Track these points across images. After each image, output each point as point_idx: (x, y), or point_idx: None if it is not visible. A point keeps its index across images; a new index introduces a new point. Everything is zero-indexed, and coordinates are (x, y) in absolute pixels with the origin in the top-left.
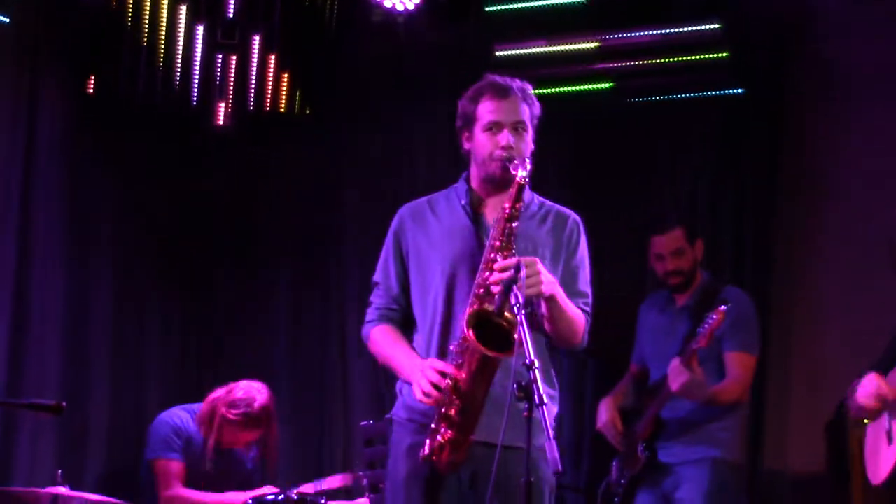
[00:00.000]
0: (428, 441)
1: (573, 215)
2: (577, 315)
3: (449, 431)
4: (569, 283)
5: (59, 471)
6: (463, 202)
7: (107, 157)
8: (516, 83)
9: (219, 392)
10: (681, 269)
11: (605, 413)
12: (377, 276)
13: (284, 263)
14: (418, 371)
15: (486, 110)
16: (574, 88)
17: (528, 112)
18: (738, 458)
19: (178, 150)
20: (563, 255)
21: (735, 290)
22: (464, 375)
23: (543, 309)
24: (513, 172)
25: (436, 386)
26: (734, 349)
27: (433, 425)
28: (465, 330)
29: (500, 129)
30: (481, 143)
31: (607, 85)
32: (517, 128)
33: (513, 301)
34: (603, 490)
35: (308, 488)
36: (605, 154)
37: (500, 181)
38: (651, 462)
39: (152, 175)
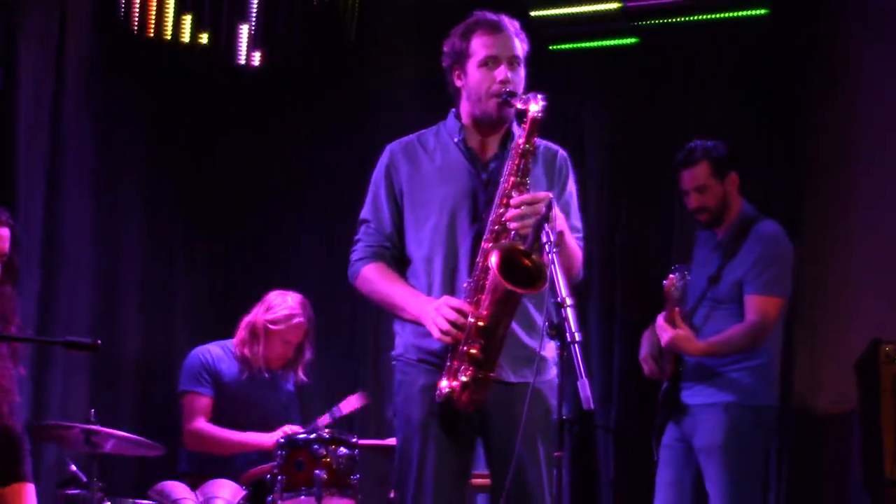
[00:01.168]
0: (447, 381)
1: (561, 151)
2: (576, 250)
3: (470, 370)
4: (563, 219)
5: (92, 410)
6: (456, 140)
7: (134, 97)
8: (506, 18)
9: (253, 311)
10: (705, 205)
11: (645, 346)
12: (366, 214)
13: (313, 197)
14: (432, 310)
15: (481, 45)
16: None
17: (521, 47)
18: (761, 402)
19: (205, 89)
20: (555, 192)
21: (768, 225)
22: (484, 312)
23: None
24: (522, 107)
25: (453, 324)
26: (752, 292)
27: (449, 364)
28: (492, 267)
29: (497, 64)
30: (476, 80)
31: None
32: (512, 63)
33: (544, 238)
34: (658, 416)
35: (324, 419)
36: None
37: (496, 118)
38: (674, 401)
39: (179, 115)
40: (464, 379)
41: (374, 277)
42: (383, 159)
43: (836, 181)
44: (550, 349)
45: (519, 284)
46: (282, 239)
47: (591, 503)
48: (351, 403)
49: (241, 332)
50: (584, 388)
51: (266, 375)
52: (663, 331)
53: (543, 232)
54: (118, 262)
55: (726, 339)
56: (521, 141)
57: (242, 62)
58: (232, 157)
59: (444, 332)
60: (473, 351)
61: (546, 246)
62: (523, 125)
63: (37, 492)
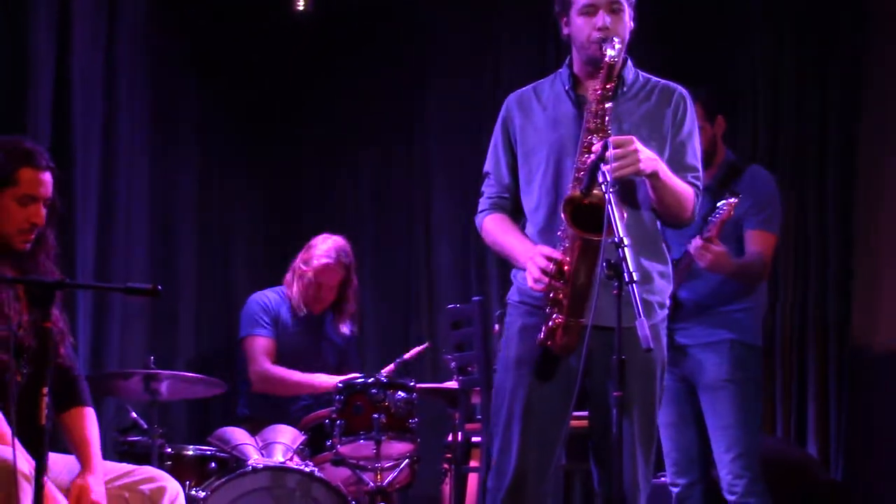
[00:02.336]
0: (544, 326)
1: (679, 89)
2: (683, 190)
3: (559, 316)
4: (677, 158)
5: (151, 357)
6: (566, 87)
7: (187, 47)
8: None
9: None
10: None
11: None
12: (488, 166)
13: (368, 146)
14: (529, 258)
15: None
16: None
17: None
18: (755, 341)
19: (257, 35)
20: (669, 131)
21: (757, 168)
22: (568, 259)
23: (648, 186)
24: (601, 53)
25: (545, 271)
26: (754, 227)
27: (548, 310)
28: (563, 215)
29: (596, 11)
30: (578, 27)
31: None
32: (613, 8)
33: (600, 179)
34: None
35: (390, 368)
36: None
37: (600, 62)
38: (668, 342)
39: (232, 63)
40: (552, 325)
41: (491, 229)
42: (502, 111)
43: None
44: (657, 293)
45: (593, 230)
46: (339, 186)
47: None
48: (413, 351)
49: (287, 275)
50: (643, 326)
51: (320, 321)
52: (705, 251)
53: (599, 172)
54: (174, 209)
55: (750, 262)
56: (597, 87)
57: (299, 7)
58: (287, 103)
59: (535, 280)
60: (560, 297)
61: (602, 186)
62: (601, 70)
63: (100, 440)
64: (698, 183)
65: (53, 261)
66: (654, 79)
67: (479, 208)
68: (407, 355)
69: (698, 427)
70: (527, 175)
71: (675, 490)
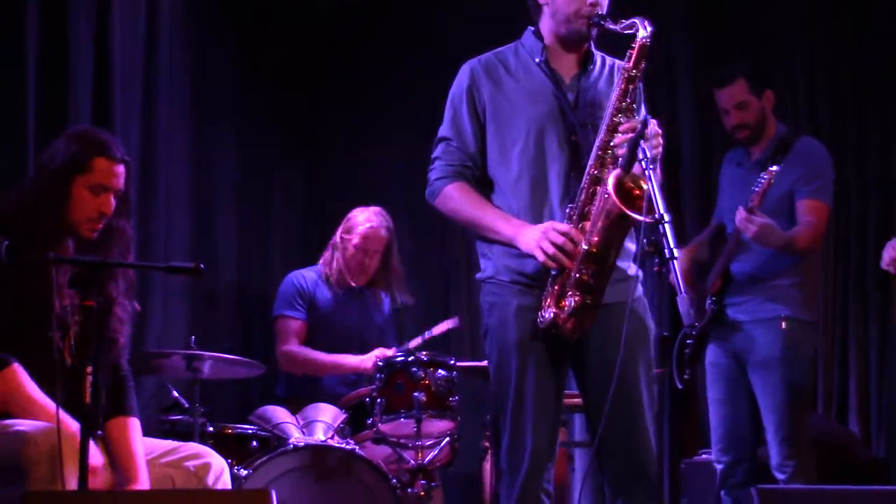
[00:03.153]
0: (548, 305)
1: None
2: None
3: (578, 296)
4: None
5: (193, 336)
6: (538, 59)
7: (227, 25)
8: None
9: (338, 230)
10: (745, 122)
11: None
12: (445, 132)
13: (403, 125)
14: (537, 233)
15: None
16: None
17: None
18: (809, 316)
19: (298, 16)
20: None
21: (809, 139)
22: (595, 239)
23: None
24: (628, 31)
25: (561, 249)
26: (805, 197)
27: (550, 288)
28: (610, 192)
29: None
30: (565, 0)
31: None
32: None
33: (640, 156)
34: (680, 337)
35: (416, 342)
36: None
37: (582, 39)
38: (719, 318)
39: (273, 42)
40: (572, 305)
41: (458, 196)
42: (462, 77)
43: None
44: (634, 268)
45: (632, 209)
46: (374, 165)
47: (691, 419)
48: (443, 326)
49: (327, 252)
50: (684, 302)
51: (360, 298)
52: (749, 223)
53: (640, 150)
54: (213, 189)
55: (800, 233)
56: (628, 66)
57: None
58: (324, 83)
59: (550, 257)
60: (584, 277)
61: (643, 163)
62: (630, 50)
63: (140, 417)
64: None
65: (128, 251)
66: (609, 58)
67: (435, 175)
68: (435, 330)
69: (748, 405)
70: (500, 147)
71: (718, 467)
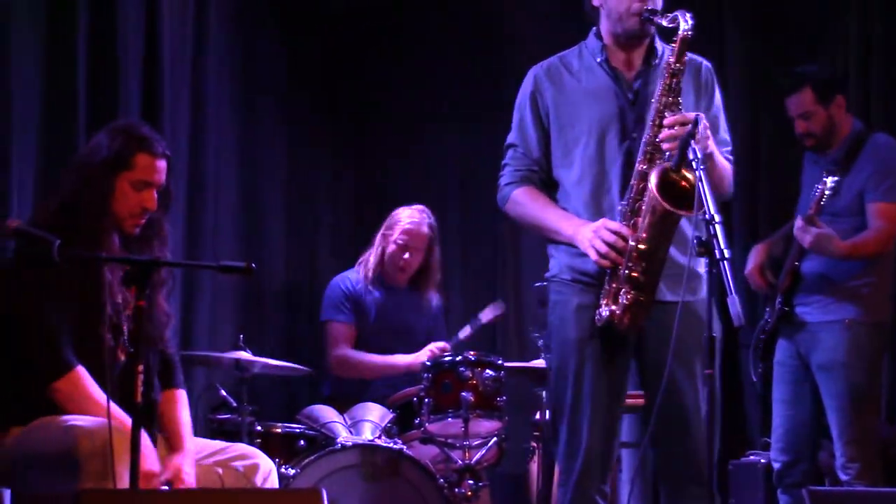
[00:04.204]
0: (606, 304)
1: (705, 62)
2: (725, 167)
3: (631, 293)
4: (711, 133)
5: (241, 335)
6: (599, 59)
7: (277, 20)
8: None
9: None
10: (811, 131)
11: (753, 259)
12: (513, 139)
13: (454, 125)
14: (590, 232)
15: None
16: None
17: None
18: (879, 318)
19: (347, 11)
20: (702, 105)
21: (881, 136)
22: (643, 235)
23: None
24: (669, 25)
25: (612, 247)
26: (876, 199)
27: (608, 287)
28: (651, 188)
29: None
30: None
31: None
32: None
33: (691, 156)
34: (756, 332)
35: (465, 331)
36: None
37: (637, 36)
38: (787, 317)
39: (322, 38)
40: (625, 302)
41: (524, 201)
42: (527, 83)
43: None
44: (703, 267)
45: (677, 205)
46: (424, 165)
47: (738, 420)
48: (489, 313)
49: (370, 251)
50: (734, 304)
51: (406, 297)
52: (804, 232)
53: (690, 149)
54: (261, 188)
55: (861, 242)
56: (671, 60)
57: None
58: (374, 80)
59: (602, 255)
60: (635, 274)
61: (693, 163)
62: (673, 44)
63: (189, 417)
64: (731, 157)
65: (167, 246)
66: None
67: (504, 181)
68: (482, 317)
69: (812, 406)
70: (563, 148)
71: (776, 465)
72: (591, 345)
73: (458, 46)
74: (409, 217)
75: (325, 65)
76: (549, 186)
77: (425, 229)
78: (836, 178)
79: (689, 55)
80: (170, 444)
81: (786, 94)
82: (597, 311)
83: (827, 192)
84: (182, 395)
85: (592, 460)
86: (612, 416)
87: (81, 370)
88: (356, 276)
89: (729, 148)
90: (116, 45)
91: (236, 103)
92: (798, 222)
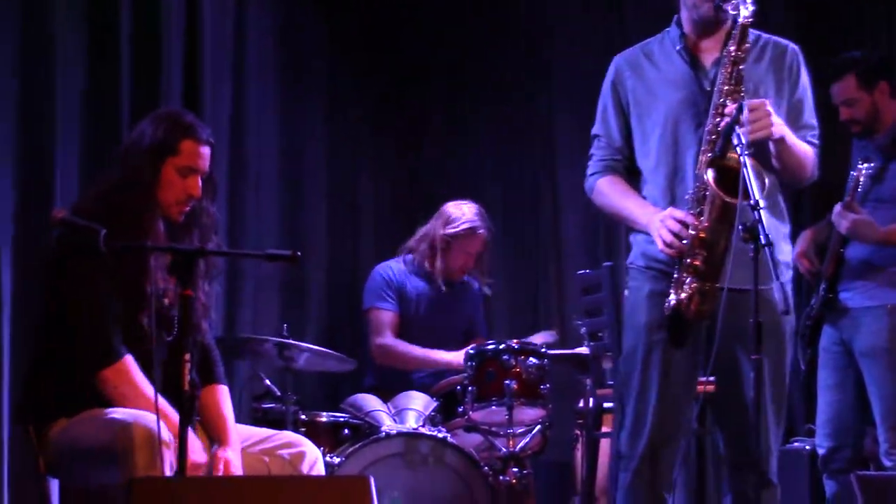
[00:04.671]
0: (673, 291)
1: (791, 45)
2: (804, 152)
3: (695, 282)
4: (795, 117)
5: (285, 324)
6: (678, 47)
7: (319, 5)
8: None
9: (430, 223)
10: (855, 118)
11: (800, 244)
12: (597, 129)
13: (495, 113)
14: (657, 221)
15: None
16: None
17: None
18: None
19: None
20: (786, 89)
21: None
22: (705, 224)
23: (772, 150)
24: (732, 12)
25: (677, 235)
26: None
27: (677, 276)
28: (708, 178)
29: None
30: None
31: None
32: None
33: (735, 142)
34: (802, 318)
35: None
36: None
37: (712, 22)
38: (831, 303)
39: (364, 25)
40: (689, 291)
41: (606, 191)
42: (609, 74)
43: None
44: (785, 253)
45: (735, 193)
46: (465, 154)
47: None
48: (540, 338)
49: (420, 245)
50: (778, 290)
51: (450, 289)
52: (842, 218)
53: (734, 135)
54: (303, 176)
55: None
56: (732, 48)
57: None
58: (415, 70)
59: (666, 244)
60: (696, 262)
61: (738, 149)
62: (734, 31)
63: (233, 406)
64: (816, 142)
65: (215, 234)
66: (764, 35)
67: (590, 171)
68: (535, 340)
69: (855, 393)
70: (642, 136)
71: (820, 451)
72: (660, 331)
73: (500, 21)
74: (470, 223)
75: (367, 51)
76: (633, 175)
77: (485, 233)
78: (871, 165)
79: (775, 38)
80: (215, 438)
81: (830, 82)
82: (666, 299)
83: (861, 179)
84: (224, 390)
85: (656, 446)
86: (681, 402)
87: (129, 359)
88: (398, 265)
89: (815, 132)
90: (159, 30)
91: (277, 89)
92: (836, 208)
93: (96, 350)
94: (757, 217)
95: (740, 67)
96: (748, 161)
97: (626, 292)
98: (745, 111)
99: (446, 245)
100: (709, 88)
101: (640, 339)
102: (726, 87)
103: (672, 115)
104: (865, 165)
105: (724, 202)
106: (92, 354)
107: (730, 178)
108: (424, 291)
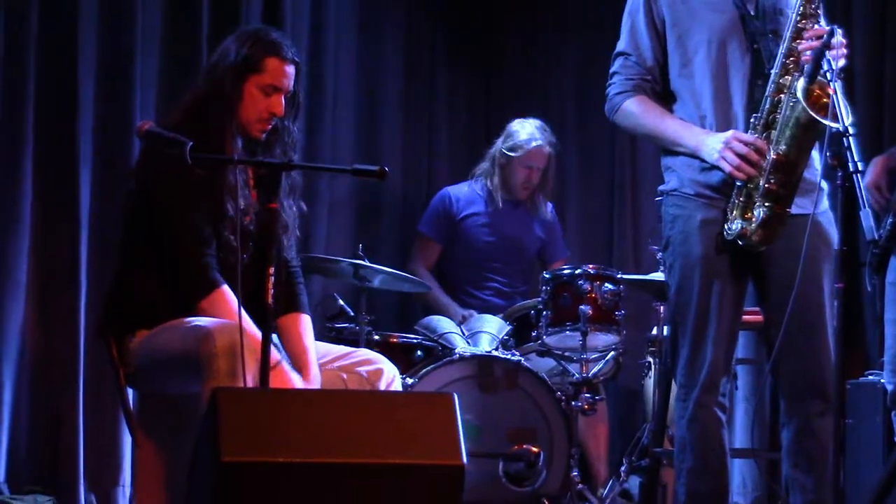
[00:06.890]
0: (737, 217)
1: None
2: None
3: (767, 206)
4: None
5: (360, 244)
6: None
7: None
8: None
9: (495, 143)
10: None
11: (870, 174)
12: (624, 47)
13: (572, 36)
14: (719, 143)
15: None
16: None
17: None
18: None
19: None
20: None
21: None
22: (783, 147)
23: None
24: None
25: (745, 158)
26: None
27: (736, 200)
28: (800, 98)
29: None
30: None
31: None
32: None
33: (826, 67)
34: (871, 247)
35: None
36: None
37: None
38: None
39: None
40: (761, 215)
41: (638, 111)
42: None
43: None
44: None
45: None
46: (542, 77)
47: (858, 340)
48: None
49: (483, 164)
50: (867, 217)
51: (513, 208)
52: None
53: (825, 60)
54: (379, 99)
55: None
56: None
57: None
58: None
59: (736, 168)
60: (773, 186)
61: (828, 74)
62: None
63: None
64: None
65: (293, 152)
66: None
67: (614, 90)
68: None
69: None
70: (682, 58)
71: (889, 387)
72: (716, 261)
73: None
74: (531, 137)
75: None
76: (661, 97)
77: (547, 149)
78: None
79: None
80: (295, 368)
81: None
82: (725, 226)
83: None
84: (307, 320)
85: (716, 375)
86: (734, 331)
87: (226, 289)
88: (465, 188)
89: None
90: None
91: (356, 7)
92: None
93: (194, 278)
94: (846, 144)
95: None
96: (838, 87)
97: (668, 220)
98: (837, 36)
99: (506, 160)
100: (755, 12)
101: (696, 271)
102: (805, 9)
103: (717, 37)
104: None
105: (809, 123)
106: (189, 281)
107: (811, 100)
108: (495, 211)
